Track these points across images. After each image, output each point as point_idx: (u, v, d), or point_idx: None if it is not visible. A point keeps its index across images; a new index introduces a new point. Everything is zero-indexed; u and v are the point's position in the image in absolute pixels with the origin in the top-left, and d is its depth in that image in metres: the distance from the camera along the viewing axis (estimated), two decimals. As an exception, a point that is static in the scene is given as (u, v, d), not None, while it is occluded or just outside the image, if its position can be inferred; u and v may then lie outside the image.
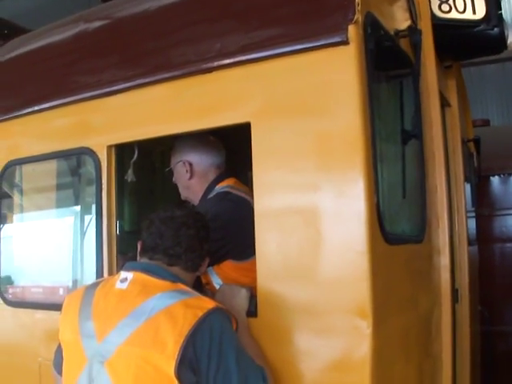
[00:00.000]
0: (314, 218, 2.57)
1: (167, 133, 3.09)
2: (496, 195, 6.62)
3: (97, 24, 3.66)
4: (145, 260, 2.68)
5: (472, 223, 5.29)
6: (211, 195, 3.41)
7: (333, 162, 2.56)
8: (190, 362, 2.30)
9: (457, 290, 4.04)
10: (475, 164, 5.55)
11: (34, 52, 4.08)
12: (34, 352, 3.56)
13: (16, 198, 4.20)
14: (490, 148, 6.28)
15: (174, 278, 2.57)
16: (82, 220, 3.73)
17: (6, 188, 4.00)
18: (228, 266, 3.23)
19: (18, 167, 4.01)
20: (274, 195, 2.69)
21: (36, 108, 3.65)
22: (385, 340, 2.58)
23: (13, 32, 4.96)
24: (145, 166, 4.97)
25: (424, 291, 3.31)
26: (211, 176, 3.48)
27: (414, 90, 3.19)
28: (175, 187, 3.66)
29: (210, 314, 2.37)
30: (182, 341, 2.28)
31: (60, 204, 4.21)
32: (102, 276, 3.22)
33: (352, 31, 2.53)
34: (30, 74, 3.92)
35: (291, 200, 2.64)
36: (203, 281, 3.29)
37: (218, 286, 3.15)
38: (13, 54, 4.25)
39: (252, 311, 2.73)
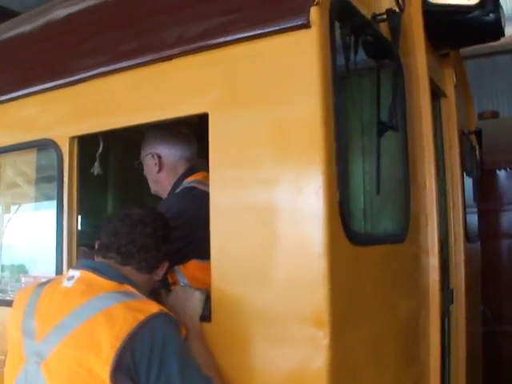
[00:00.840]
0: (270, 217, 2.37)
1: (127, 124, 2.90)
2: (502, 189, 6.30)
3: (59, 15, 3.52)
4: (99, 259, 2.55)
5: (473, 219, 5.04)
6: (177, 190, 3.23)
7: (291, 155, 2.36)
8: (128, 370, 2.13)
9: (452, 291, 3.83)
10: (477, 157, 5.28)
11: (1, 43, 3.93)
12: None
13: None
14: (498, 140, 6.01)
15: (122, 279, 2.43)
16: (47, 214, 3.55)
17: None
18: (193, 265, 3.06)
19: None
20: (229, 191, 2.50)
21: (2, 98, 3.49)
22: (347, 351, 2.39)
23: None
24: (130, 157, 4.82)
25: (406, 295, 3.12)
26: (180, 170, 3.32)
27: (393, 78, 2.96)
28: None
29: (152, 319, 2.20)
30: (118, 345, 2.12)
31: (30, 199, 4.06)
32: (61, 273, 3.05)
33: (314, 13, 2.31)
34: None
35: (247, 196, 2.46)
36: (170, 280, 3.12)
37: None
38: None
39: (206, 316, 2.54)
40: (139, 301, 2.30)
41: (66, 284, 2.41)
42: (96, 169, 3.41)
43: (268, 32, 2.42)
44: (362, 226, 3.03)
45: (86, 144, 3.25)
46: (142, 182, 4.86)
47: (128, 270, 2.49)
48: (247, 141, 2.46)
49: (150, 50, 2.79)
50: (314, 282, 2.24)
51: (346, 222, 2.39)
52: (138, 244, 2.50)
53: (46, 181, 3.73)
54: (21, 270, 3.91)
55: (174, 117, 2.74)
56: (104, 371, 2.10)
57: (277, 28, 2.39)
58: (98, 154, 3.38)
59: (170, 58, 2.71)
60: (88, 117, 3.08)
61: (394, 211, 3.20)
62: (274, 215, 2.36)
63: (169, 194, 3.28)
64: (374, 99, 3.02)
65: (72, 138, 3.11)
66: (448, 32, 3.66)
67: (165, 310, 2.30)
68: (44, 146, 3.29)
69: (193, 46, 2.63)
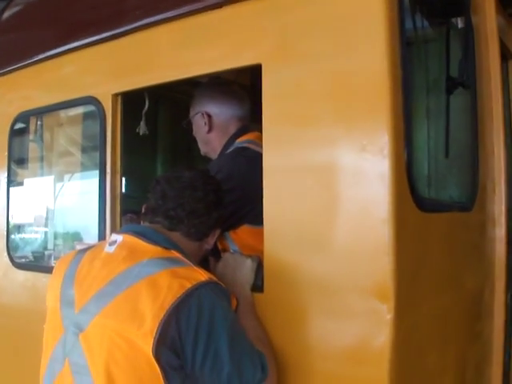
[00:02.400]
0: (330, 178, 2.15)
1: (174, 78, 2.70)
2: None
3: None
4: (145, 223, 2.38)
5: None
6: (229, 151, 3.03)
7: (353, 110, 2.12)
8: (173, 342, 1.93)
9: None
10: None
11: (40, 0, 3.77)
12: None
13: (26, 152, 3.94)
14: None
15: (169, 245, 2.22)
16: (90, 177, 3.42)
17: (16, 142, 3.73)
18: (244, 231, 2.85)
19: (28, 119, 3.74)
20: (285, 149, 2.28)
21: (43, 56, 3.35)
22: (412, 327, 2.17)
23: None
24: (179, 119, 4.68)
25: (472, 267, 2.89)
26: (232, 129, 3.09)
27: (464, 32, 2.71)
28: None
29: (200, 287, 1.99)
30: (162, 315, 1.91)
31: (73, 159, 3.93)
32: (104, 239, 2.89)
33: None
34: (37, 22, 3.63)
35: (304, 155, 2.22)
36: (219, 247, 2.93)
37: None
38: (21, 4, 3.97)
39: (258, 285, 2.35)
40: (187, 268, 2.09)
41: (108, 249, 2.23)
42: (142, 128, 3.27)
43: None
44: (425, 192, 2.79)
45: (132, 103, 3.08)
46: (193, 144, 4.75)
47: (176, 236, 2.30)
48: (305, 94, 2.23)
49: (198, -2, 2.57)
50: (377, 250, 2.02)
51: (414, 185, 2.16)
52: (187, 208, 2.31)
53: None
54: (75, 237, 3.82)
55: (223, 69, 2.52)
56: (147, 344, 1.91)
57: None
58: (143, 113, 3.23)
59: (218, 5, 2.50)
60: (131, 72, 2.89)
61: (460, 177, 2.98)
62: (333, 176, 2.14)
63: (219, 154, 3.08)
64: (441, 57, 2.78)
65: (115, 95, 2.93)
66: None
67: (214, 278, 2.11)
68: (87, 104, 3.11)
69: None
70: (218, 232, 2.46)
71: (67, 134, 3.98)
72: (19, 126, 3.74)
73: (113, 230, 2.88)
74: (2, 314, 3.73)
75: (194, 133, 3.24)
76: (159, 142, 4.64)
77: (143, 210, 2.43)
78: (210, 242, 2.45)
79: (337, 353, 2.15)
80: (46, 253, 3.92)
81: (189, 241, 2.33)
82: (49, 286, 2.42)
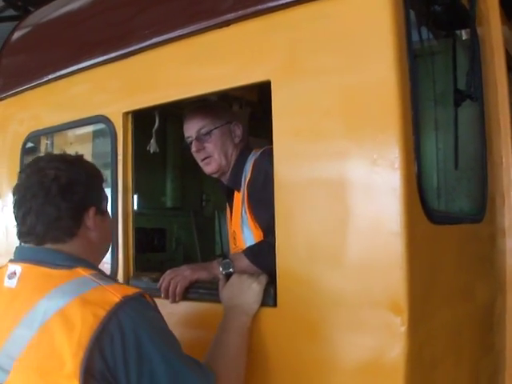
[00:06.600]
0: (342, 192, 2.15)
1: (184, 96, 2.72)
2: None
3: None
4: (30, 245, 2.09)
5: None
6: (255, 157, 2.96)
7: (363, 124, 2.13)
8: (102, 375, 1.77)
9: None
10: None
11: (50, 21, 3.81)
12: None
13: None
14: None
15: (69, 261, 2.00)
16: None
17: (28, 160, 3.75)
18: None
19: (39, 139, 3.77)
20: (296, 164, 2.29)
21: (53, 76, 3.37)
22: (426, 339, 2.17)
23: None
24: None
25: (483, 278, 2.89)
26: (247, 142, 3.10)
27: (470, 45, 2.73)
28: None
29: (117, 311, 1.81)
30: (82, 353, 1.73)
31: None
32: (117, 257, 2.90)
33: (385, -35, 2.09)
34: (47, 43, 3.66)
35: (315, 170, 2.23)
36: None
37: None
38: (31, 25, 4.01)
39: (269, 302, 2.34)
40: (96, 289, 1.88)
41: (9, 284, 2.01)
42: (153, 146, 3.27)
43: (334, -10, 2.20)
44: (435, 204, 2.80)
45: (142, 121, 3.11)
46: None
47: (54, 247, 2.04)
48: (314, 110, 2.24)
49: (206, 17, 2.60)
50: (390, 264, 2.02)
51: (425, 198, 2.16)
52: (39, 215, 2.01)
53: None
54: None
55: (232, 87, 2.55)
56: None
57: (344, -15, 2.17)
58: (154, 131, 3.24)
59: (227, 24, 2.52)
60: (141, 91, 2.91)
61: (470, 189, 2.97)
62: (345, 190, 2.14)
63: (234, 165, 3.03)
64: (447, 69, 2.80)
65: (126, 114, 2.95)
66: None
67: (129, 290, 1.91)
68: (98, 122, 3.14)
69: (251, 10, 2.42)
70: (92, 211, 2.11)
71: (77, 152, 4.00)
72: (31, 144, 3.77)
73: (125, 248, 2.90)
74: None
75: (209, 144, 3.06)
76: (168, 159, 4.65)
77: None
78: (91, 227, 2.11)
79: (351, 366, 2.14)
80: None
81: (64, 244, 2.06)
82: None
